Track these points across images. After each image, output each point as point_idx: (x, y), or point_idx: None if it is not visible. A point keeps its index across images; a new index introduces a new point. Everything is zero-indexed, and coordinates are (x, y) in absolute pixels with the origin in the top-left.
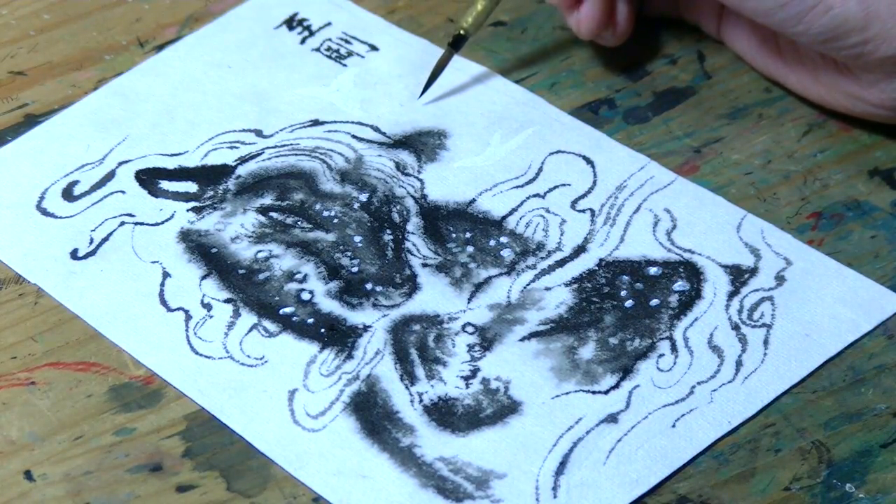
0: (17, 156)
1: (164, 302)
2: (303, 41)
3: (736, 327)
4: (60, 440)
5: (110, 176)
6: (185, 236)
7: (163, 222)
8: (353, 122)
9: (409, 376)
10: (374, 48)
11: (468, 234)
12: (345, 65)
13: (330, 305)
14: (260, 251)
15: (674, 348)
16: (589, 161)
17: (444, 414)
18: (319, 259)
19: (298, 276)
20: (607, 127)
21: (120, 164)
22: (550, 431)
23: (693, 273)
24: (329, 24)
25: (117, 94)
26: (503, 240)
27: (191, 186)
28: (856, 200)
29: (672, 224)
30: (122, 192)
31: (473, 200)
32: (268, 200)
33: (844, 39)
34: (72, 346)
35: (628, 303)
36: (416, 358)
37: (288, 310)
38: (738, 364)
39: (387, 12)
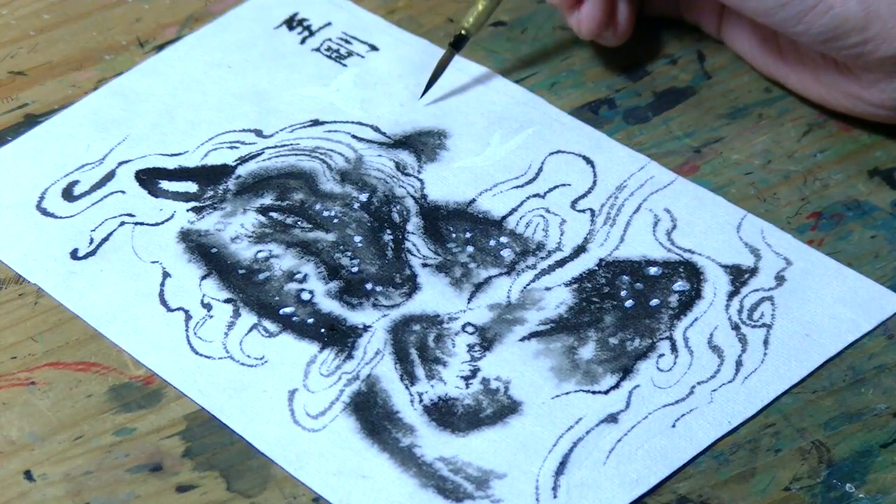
0: (17, 156)
1: (164, 302)
2: (303, 41)
3: (736, 327)
4: (60, 440)
5: (110, 176)
6: (185, 236)
7: (163, 222)
8: (353, 122)
9: (409, 376)
10: (374, 48)
11: (468, 234)
12: (345, 65)
13: (330, 305)
14: (260, 251)
15: (674, 348)
16: (589, 161)
17: (444, 414)
18: (319, 259)
19: (298, 276)
20: (607, 127)
21: (120, 164)
22: (550, 431)
23: (693, 273)
24: (329, 24)
25: (117, 94)
26: (503, 240)
27: (191, 186)
28: (856, 200)
29: (672, 224)
30: (122, 192)
31: (473, 200)
32: (268, 200)
33: (845, 39)
34: (72, 346)
35: (628, 303)
36: (416, 358)
37: (288, 310)
38: (738, 364)
39: (387, 12)
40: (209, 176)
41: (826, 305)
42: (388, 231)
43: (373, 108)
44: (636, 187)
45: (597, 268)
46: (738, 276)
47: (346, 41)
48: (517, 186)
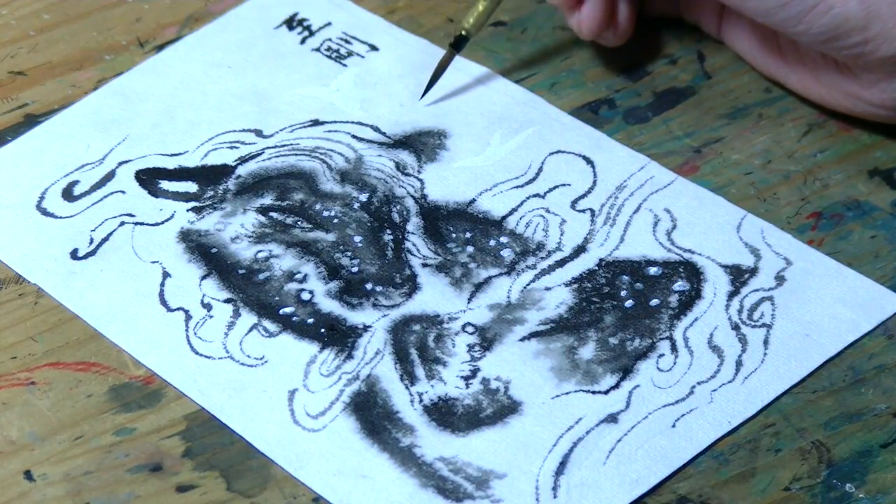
0: (17, 156)
1: (164, 302)
2: (303, 41)
3: (736, 327)
4: (60, 440)
5: (110, 176)
6: (185, 236)
7: (163, 222)
8: (353, 122)
9: (409, 376)
10: (374, 48)
11: (468, 234)
12: (345, 65)
13: (330, 305)
14: (260, 251)
15: (674, 348)
16: (589, 161)
17: (444, 414)
18: (319, 259)
19: (298, 276)
20: (607, 127)
21: (120, 164)
22: (550, 431)
23: (693, 273)
24: (329, 24)
25: (117, 94)
26: (503, 240)
27: (191, 186)
28: (856, 200)
29: (672, 224)
30: (122, 192)
31: (473, 200)
32: (268, 200)
33: (845, 39)
34: (72, 346)
35: (628, 303)
36: (416, 358)
37: (288, 310)
38: (738, 364)
39: (387, 12)
40: (209, 176)
41: (826, 305)
42: (388, 231)
43: (373, 108)
44: (636, 187)
45: (597, 268)
46: (738, 276)
47: (346, 41)
48: (517, 186)
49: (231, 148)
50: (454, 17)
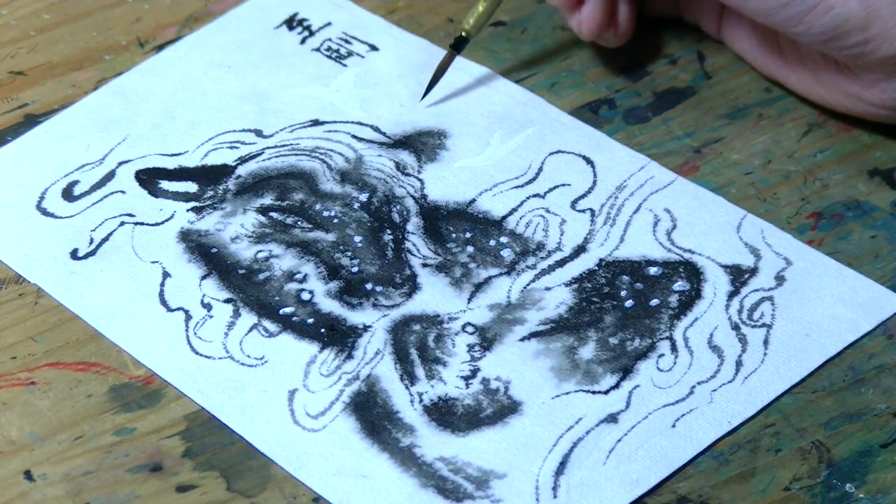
0: (17, 156)
1: (164, 302)
2: (303, 41)
3: (736, 327)
4: (60, 440)
5: (110, 176)
6: (185, 236)
7: (163, 222)
8: (353, 122)
9: (409, 376)
10: (374, 48)
11: (468, 234)
12: (345, 65)
13: (330, 305)
14: (260, 251)
15: (674, 348)
16: (589, 161)
17: (444, 414)
18: (319, 259)
19: (298, 276)
20: (607, 127)
21: (120, 164)
22: (550, 431)
23: (693, 273)
24: (329, 24)
25: (117, 94)
26: (503, 240)
27: (191, 186)
28: (856, 200)
29: (672, 224)
30: (122, 192)
31: (473, 200)
32: (268, 200)
33: (845, 39)
34: (72, 346)
35: (628, 303)
36: (416, 358)
37: (288, 310)
38: (738, 364)
39: (387, 12)
40: (209, 176)
41: (826, 305)
42: (388, 231)
43: (373, 108)
44: (636, 187)
45: (597, 268)
46: (738, 276)
47: (346, 41)
48: (517, 186)
49: (231, 148)
50: (454, 17)
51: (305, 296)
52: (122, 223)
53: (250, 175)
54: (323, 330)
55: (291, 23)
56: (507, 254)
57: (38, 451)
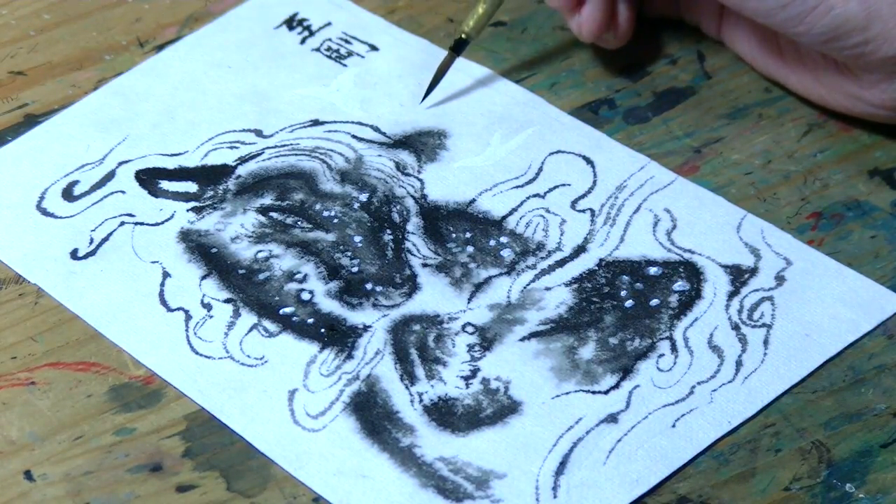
0: (17, 156)
1: (164, 302)
2: (303, 41)
3: (736, 327)
4: (60, 440)
5: (110, 176)
6: (185, 236)
7: (163, 222)
8: (353, 122)
9: (409, 376)
10: (374, 48)
11: (468, 234)
12: (345, 65)
13: (330, 305)
14: (260, 251)
15: (674, 348)
16: (589, 161)
17: (444, 414)
18: (319, 259)
19: (298, 276)
20: (607, 127)
21: (120, 164)
22: (550, 431)
23: (693, 273)
24: (329, 24)
25: (117, 94)
26: (503, 240)
27: (191, 186)
28: (856, 200)
29: (672, 224)
30: (122, 192)
31: (473, 200)
32: (268, 200)
33: (846, 39)
34: (72, 346)
35: (628, 303)
36: (416, 358)
37: (288, 310)
38: (738, 364)
39: (387, 12)
40: (209, 176)
41: (826, 305)
42: (388, 231)
43: (373, 108)
44: (636, 187)
45: (597, 268)
46: (738, 276)
47: (346, 41)
48: (517, 186)
49: (231, 148)
50: (454, 17)
51: (305, 296)
52: (122, 223)
53: (250, 175)
54: (323, 330)
55: (291, 23)
56: (507, 254)
57: (38, 451)
